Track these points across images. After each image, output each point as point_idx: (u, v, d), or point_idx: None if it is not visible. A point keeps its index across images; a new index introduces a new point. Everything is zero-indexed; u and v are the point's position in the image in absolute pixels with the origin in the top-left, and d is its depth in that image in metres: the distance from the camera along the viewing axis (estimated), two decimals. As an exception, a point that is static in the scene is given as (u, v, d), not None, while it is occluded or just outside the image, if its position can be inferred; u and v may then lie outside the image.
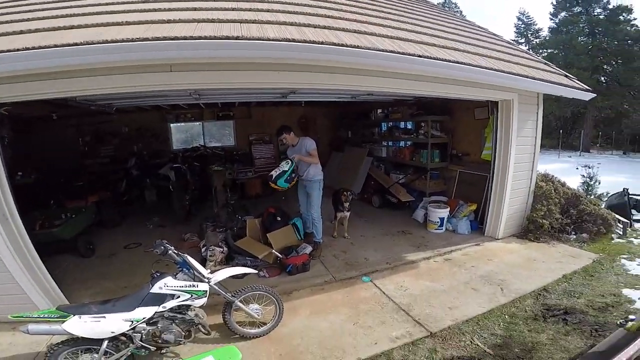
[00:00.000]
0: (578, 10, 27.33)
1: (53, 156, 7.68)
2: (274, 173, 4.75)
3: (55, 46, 2.71)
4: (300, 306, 3.71)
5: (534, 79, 4.88)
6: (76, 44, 2.72)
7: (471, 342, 3.10)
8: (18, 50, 2.68)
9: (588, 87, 5.67)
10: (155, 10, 3.71)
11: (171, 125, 10.09)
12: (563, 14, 28.47)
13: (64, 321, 2.46)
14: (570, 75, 5.86)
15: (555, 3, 29.01)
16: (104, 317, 2.54)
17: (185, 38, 2.88)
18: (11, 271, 3.30)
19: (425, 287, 4.04)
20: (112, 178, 7.94)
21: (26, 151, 6.78)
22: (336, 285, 4.20)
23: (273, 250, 4.68)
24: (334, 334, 3.23)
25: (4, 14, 3.77)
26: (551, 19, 29.82)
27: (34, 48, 2.69)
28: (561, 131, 25.65)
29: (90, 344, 2.56)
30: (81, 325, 2.47)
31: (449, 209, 5.88)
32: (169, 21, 3.28)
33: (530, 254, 4.95)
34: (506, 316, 3.48)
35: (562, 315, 3.43)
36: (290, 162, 4.79)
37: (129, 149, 9.06)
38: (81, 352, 2.60)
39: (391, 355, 2.94)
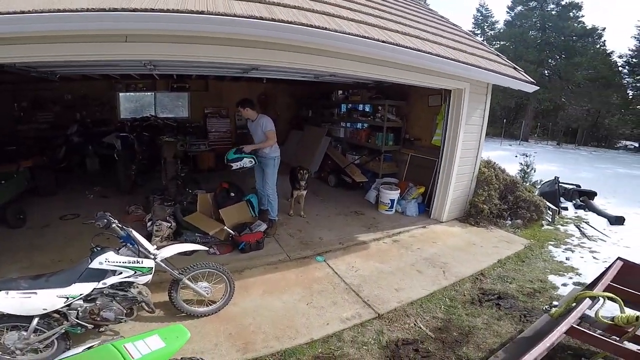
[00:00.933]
0: (533, 4, 28.68)
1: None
2: (234, 166, 4.76)
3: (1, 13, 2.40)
4: (252, 285, 3.70)
5: (487, 69, 5.11)
6: (23, 12, 2.43)
7: (415, 324, 3.26)
8: None
9: (533, 80, 6.04)
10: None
11: (120, 94, 9.49)
12: (519, 7, 29.73)
13: None
14: (519, 68, 6.21)
15: None
16: (35, 292, 2.35)
17: (145, 10, 2.65)
18: None
19: (374, 268, 4.20)
20: (51, 144, 7.35)
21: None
22: (290, 264, 4.24)
23: (225, 227, 4.59)
24: (287, 313, 3.26)
25: None
26: (508, 12, 31.04)
27: None
28: (505, 120, 27.31)
29: (18, 321, 2.38)
30: (7, 302, 2.28)
31: (399, 190, 6.12)
32: None
33: (471, 238, 5.28)
34: (447, 299, 3.69)
35: (496, 300, 3.66)
36: (253, 162, 4.82)
37: (71, 116, 8.45)
38: (7, 329, 2.41)
39: (342, 336, 3.03)
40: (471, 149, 5.94)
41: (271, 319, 3.18)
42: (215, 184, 5.74)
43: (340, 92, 8.71)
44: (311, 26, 3.32)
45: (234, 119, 10.20)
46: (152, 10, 2.71)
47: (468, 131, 5.69)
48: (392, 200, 6.03)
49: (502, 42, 29.92)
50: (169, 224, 4.55)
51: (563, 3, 26.81)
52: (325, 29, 3.40)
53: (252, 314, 3.23)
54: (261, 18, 3.07)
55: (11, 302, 2.28)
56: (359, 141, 8.00)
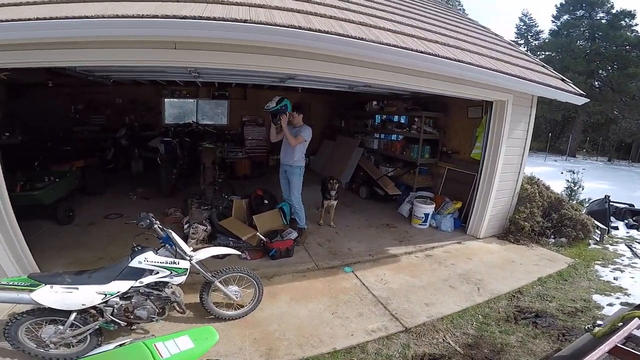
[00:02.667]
0: (581, 13, 27.31)
1: (43, 120, 7.58)
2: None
3: (67, 18, 2.65)
4: (280, 291, 3.72)
5: (532, 81, 4.90)
6: (87, 17, 2.65)
7: (444, 339, 3.16)
8: (30, 19, 2.61)
9: (582, 92, 5.70)
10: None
11: (165, 100, 10.05)
12: (566, 17, 28.42)
13: (33, 290, 2.36)
14: (566, 79, 5.89)
15: (559, 6, 28.93)
16: (77, 288, 2.45)
17: (194, 18, 2.81)
18: None
19: (404, 282, 4.10)
20: (101, 146, 7.88)
21: (17, 114, 6.66)
22: (318, 273, 4.23)
23: (257, 233, 4.68)
24: (312, 322, 3.25)
25: None
26: (553, 22, 29.82)
27: (45, 19, 2.63)
28: (550, 134, 25.95)
29: (57, 315, 2.47)
30: (51, 296, 2.38)
31: (434, 205, 5.95)
32: (178, 0, 3.21)
33: (509, 255, 5.05)
34: (480, 316, 3.56)
35: (533, 318, 3.51)
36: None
37: (120, 120, 9.05)
38: (45, 323, 2.51)
39: (366, 347, 2.98)
40: (513, 164, 5.68)
41: (296, 326, 3.18)
42: (249, 190, 5.87)
43: (374, 102, 8.67)
44: (347, 36, 3.35)
45: (269, 127, 10.41)
46: (200, 17, 2.85)
47: (510, 145, 5.46)
48: (427, 215, 5.88)
49: (547, 53, 28.69)
50: (205, 227, 4.70)
51: (614, 11, 25.33)
52: (362, 39, 3.42)
53: (278, 321, 3.24)
54: (300, 27, 3.14)
55: (54, 297, 2.38)
56: (393, 153, 7.89)
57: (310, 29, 3.19)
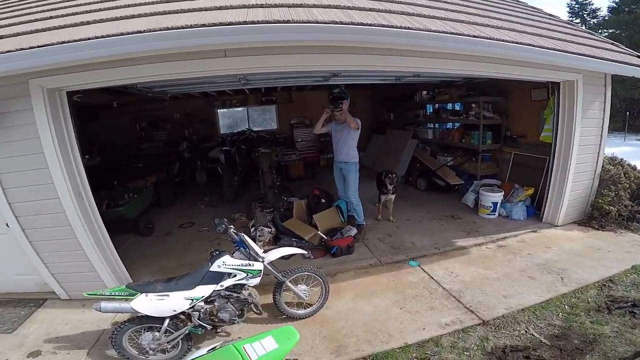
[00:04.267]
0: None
1: (114, 140, 8.35)
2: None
3: (122, 34, 2.80)
4: (344, 289, 3.73)
5: (602, 59, 4.42)
6: (139, 32, 2.80)
7: (526, 331, 2.96)
8: (89, 38, 2.79)
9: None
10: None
11: (218, 110, 10.54)
12: (625, -8, 25.30)
13: (131, 299, 2.55)
14: (642, 55, 5.21)
15: None
16: (168, 295, 2.62)
17: (239, 23, 2.89)
18: (85, 249, 3.53)
19: (477, 274, 3.90)
20: (167, 160, 8.46)
21: (90, 136, 7.31)
22: (381, 268, 4.17)
23: (318, 232, 4.73)
24: (379, 317, 3.22)
25: (68, 7, 4.02)
26: (611, -1, 26.70)
27: (102, 37, 2.79)
28: (627, 113, 23.13)
29: (152, 322, 2.64)
30: (147, 304, 2.55)
31: (502, 193, 5.56)
32: (220, 8, 3.32)
33: (594, 243, 4.58)
34: (566, 306, 3.29)
35: (630, 308, 3.18)
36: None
37: (180, 134, 9.65)
38: (144, 330, 2.68)
39: (440, 341, 2.89)
40: (591, 145, 5.14)
41: (363, 322, 3.17)
42: (305, 191, 5.97)
43: (424, 92, 8.37)
44: (392, 27, 3.24)
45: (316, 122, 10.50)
46: (245, 22, 2.90)
47: (586, 125, 4.95)
48: (495, 204, 5.52)
49: (610, 30, 25.71)
50: (270, 229, 4.88)
51: None
52: (409, 28, 3.28)
53: (345, 318, 3.25)
54: (341, 23, 3.09)
55: (149, 304, 2.57)
56: (450, 141, 7.56)
57: (351, 23, 3.13)
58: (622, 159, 5.75)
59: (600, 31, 25.75)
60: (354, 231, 4.79)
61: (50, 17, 3.58)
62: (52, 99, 3.27)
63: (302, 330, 3.03)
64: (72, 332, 3.19)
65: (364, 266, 4.23)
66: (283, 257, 3.43)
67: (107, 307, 2.58)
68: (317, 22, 3.05)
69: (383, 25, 3.22)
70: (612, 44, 5.44)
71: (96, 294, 2.62)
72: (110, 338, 2.65)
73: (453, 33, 3.45)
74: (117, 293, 2.62)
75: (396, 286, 3.74)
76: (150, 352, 2.67)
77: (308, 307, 3.31)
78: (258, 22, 2.92)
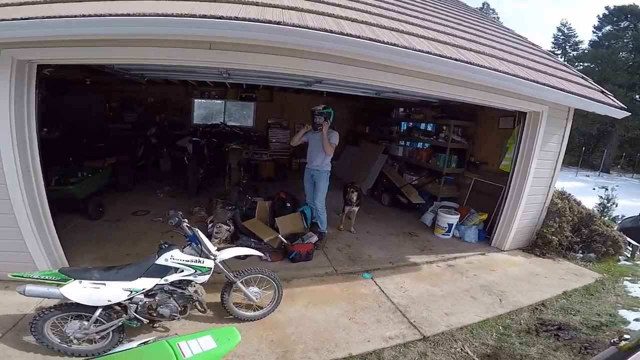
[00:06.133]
0: (625, 24, 26.17)
1: (79, 117, 7.97)
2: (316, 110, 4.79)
3: (110, 15, 2.73)
4: (299, 295, 3.74)
5: (570, 92, 4.71)
6: (129, 14, 2.74)
7: (462, 349, 3.10)
8: (76, 16, 2.70)
9: (623, 105, 5.44)
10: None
11: (195, 100, 10.31)
12: (608, 27, 27.34)
13: (62, 285, 2.39)
14: (606, 91, 5.63)
15: (601, 16, 27.89)
16: (104, 284, 2.47)
17: (229, 18, 2.87)
18: (20, 227, 3.29)
19: (424, 290, 4.04)
20: (132, 143, 8.17)
21: (54, 110, 6.93)
22: (337, 278, 4.22)
23: (279, 235, 4.72)
24: (328, 326, 3.25)
25: None
26: (594, 32, 28.78)
27: (90, 15, 2.71)
28: (583, 148, 24.85)
29: (83, 310, 2.48)
30: (79, 291, 2.40)
31: (459, 215, 5.82)
32: (214, 0, 3.29)
33: (534, 269, 4.91)
34: (500, 327, 3.48)
35: (555, 331, 3.42)
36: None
37: (151, 118, 9.33)
38: (71, 318, 2.51)
39: (382, 354, 2.96)
40: (544, 178, 5.49)
41: (313, 330, 3.18)
42: (272, 192, 5.94)
43: (401, 109, 8.59)
44: (379, 41, 3.33)
45: (294, 130, 10.52)
46: (236, 18, 2.89)
47: (542, 158, 5.28)
48: (450, 225, 5.76)
49: (586, 64, 27.66)
50: (228, 227, 4.80)
51: None
52: (395, 45, 3.39)
53: (295, 324, 3.25)
54: (331, 31, 3.15)
55: (82, 292, 2.40)
56: (418, 161, 7.78)
57: (341, 33, 3.19)
58: (569, 194, 6.21)
59: (577, 64, 27.67)
60: (314, 238, 4.83)
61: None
62: (21, 70, 3.10)
63: (248, 333, 3.03)
64: (-12, 315, 2.94)
65: (320, 274, 4.26)
66: (238, 257, 3.40)
67: (32, 290, 2.37)
68: (308, 28, 3.10)
69: (370, 39, 3.30)
70: (583, 77, 5.81)
71: (23, 276, 2.42)
72: (30, 324, 2.45)
73: (436, 54, 3.59)
74: (47, 277, 2.42)
75: (348, 296, 3.80)
76: (75, 341, 2.50)
77: (258, 310, 3.27)
78: (249, 20, 2.91)
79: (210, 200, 6.05)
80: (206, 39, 3.16)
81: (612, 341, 2.98)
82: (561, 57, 30.36)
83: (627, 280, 4.79)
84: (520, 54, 5.24)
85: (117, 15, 2.75)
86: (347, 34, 3.21)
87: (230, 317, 3.17)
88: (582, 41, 32.61)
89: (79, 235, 4.63)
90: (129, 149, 7.95)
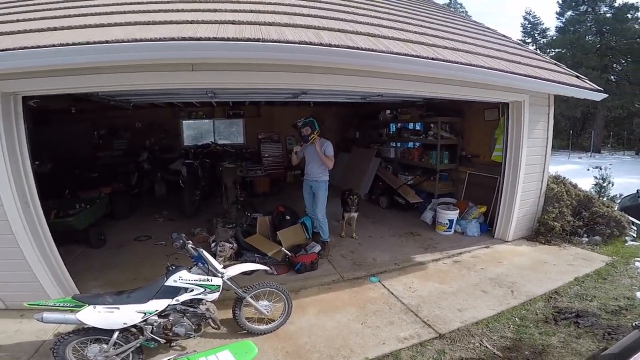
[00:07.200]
0: (584, 9, 26.89)
1: (69, 148, 7.90)
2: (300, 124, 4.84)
3: (88, 43, 2.76)
4: (307, 304, 3.73)
5: (546, 80, 4.84)
6: (107, 42, 2.77)
7: (480, 344, 3.09)
8: (54, 45, 2.73)
9: (599, 87, 5.58)
10: (178, 10, 3.79)
11: (183, 122, 10.31)
12: (569, 12, 28.04)
13: (78, 311, 2.47)
14: (581, 76, 5.77)
15: (561, 2, 28.52)
16: (118, 308, 2.55)
17: (208, 39, 2.92)
18: (27, 259, 3.34)
19: (434, 289, 4.04)
20: (124, 171, 8.10)
21: (43, 142, 6.91)
22: (344, 284, 4.21)
23: (282, 248, 4.72)
24: (341, 333, 3.24)
25: (38, 10, 3.86)
26: (558, 18, 29.39)
27: (68, 45, 2.74)
28: (571, 132, 25.28)
29: (100, 334, 2.56)
30: (95, 316, 2.48)
31: (458, 210, 5.86)
32: (192, 22, 3.34)
33: (541, 257, 4.92)
34: (516, 319, 3.47)
35: (574, 318, 3.40)
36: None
37: (141, 144, 9.24)
38: (90, 342, 2.59)
39: (399, 355, 2.95)
40: (537, 164, 5.58)
41: (326, 338, 3.17)
42: (269, 207, 5.95)
43: (388, 111, 8.70)
44: (358, 48, 3.40)
45: (285, 143, 10.58)
46: (215, 38, 2.94)
47: (532, 145, 5.38)
48: (451, 221, 5.79)
49: (557, 50, 28.17)
50: (231, 245, 4.78)
51: (617, 5, 24.83)
52: (373, 50, 3.46)
53: (308, 333, 3.24)
54: (311, 43, 3.21)
55: (98, 316, 2.49)
56: (411, 161, 7.84)
57: (321, 44, 3.25)
58: (564, 178, 6.29)
59: (548, 51, 28.13)
60: (317, 248, 4.82)
61: (17, 21, 3.48)
62: (6, 103, 3.12)
63: (263, 346, 3.03)
64: (7, 342, 2.99)
65: (327, 282, 4.25)
66: (245, 273, 3.40)
67: (50, 317, 2.46)
68: (288, 42, 3.15)
69: (350, 47, 3.36)
70: (556, 64, 5.97)
71: (38, 304, 2.51)
72: (52, 349, 2.54)
73: (413, 55, 3.67)
74: (61, 304, 2.51)
75: (358, 302, 3.79)
76: None
77: (270, 323, 3.27)
78: (228, 39, 2.96)
79: (210, 220, 6.03)
80: (188, 61, 3.20)
81: (634, 324, 3.01)
82: (532, 46, 30.98)
83: (638, 261, 4.76)
84: (493, 47, 5.39)
85: (94, 43, 2.79)
86: (327, 44, 3.28)
87: (244, 331, 3.17)
88: (549, 28, 33.28)
89: (84, 264, 4.62)
90: (123, 176, 7.87)
